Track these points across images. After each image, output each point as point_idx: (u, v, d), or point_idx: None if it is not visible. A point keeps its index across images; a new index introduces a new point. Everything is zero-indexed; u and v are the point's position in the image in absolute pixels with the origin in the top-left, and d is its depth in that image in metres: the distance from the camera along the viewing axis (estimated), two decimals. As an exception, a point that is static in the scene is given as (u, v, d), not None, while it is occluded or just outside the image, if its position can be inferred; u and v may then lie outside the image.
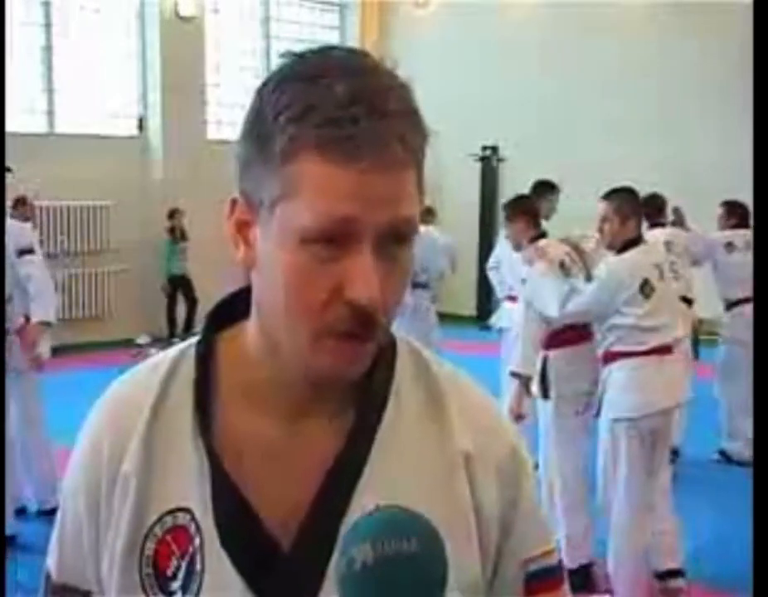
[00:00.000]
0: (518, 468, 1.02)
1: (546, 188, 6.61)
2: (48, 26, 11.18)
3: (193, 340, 1.04)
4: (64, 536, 1.04)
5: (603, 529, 4.40)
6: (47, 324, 5.13)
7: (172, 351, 1.04)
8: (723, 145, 10.59)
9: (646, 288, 4.21)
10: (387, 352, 1.00)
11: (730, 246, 6.76)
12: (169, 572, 0.95)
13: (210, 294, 9.39)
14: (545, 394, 4.68)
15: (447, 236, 8.18)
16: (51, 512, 5.09)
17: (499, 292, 6.78)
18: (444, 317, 8.33)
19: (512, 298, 5.98)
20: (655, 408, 4.24)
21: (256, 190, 0.90)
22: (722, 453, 6.79)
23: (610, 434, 4.25)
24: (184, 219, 11.36)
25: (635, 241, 4.33)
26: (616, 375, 4.28)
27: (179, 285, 11.48)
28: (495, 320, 6.93)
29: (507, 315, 6.10)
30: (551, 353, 4.68)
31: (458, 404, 1.01)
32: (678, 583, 4.48)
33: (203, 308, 10.97)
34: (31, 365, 5.12)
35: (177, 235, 11.41)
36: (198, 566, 0.94)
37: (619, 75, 11.62)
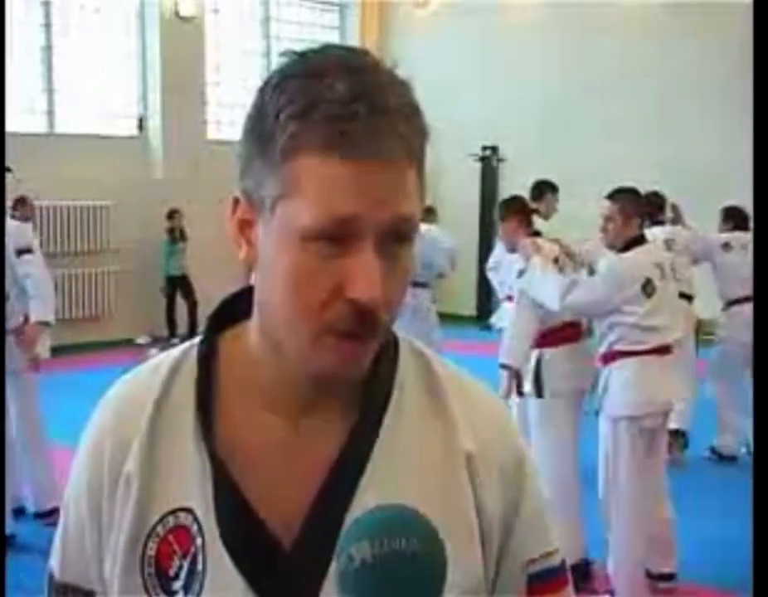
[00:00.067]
0: (521, 468, 1.02)
1: (546, 188, 6.62)
2: (48, 26, 11.18)
3: (195, 340, 1.04)
4: (67, 536, 1.04)
5: (603, 529, 4.40)
6: (46, 324, 5.13)
7: (175, 351, 1.04)
8: (723, 145, 10.59)
9: (648, 288, 4.23)
10: (390, 351, 1.00)
11: (727, 246, 6.83)
12: (171, 572, 0.95)
13: (209, 294, 9.41)
14: (539, 392, 4.68)
15: (447, 235, 8.17)
16: (48, 514, 5.10)
17: (499, 292, 6.78)
18: (444, 317, 8.33)
19: (512, 299, 5.98)
20: (656, 407, 4.27)
21: (258, 189, 0.90)
22: (713, 450, 6.81)
23: (611, 433, 4.26)
24: (183, 219, 11.36)
25: (638, 241, 4.36)
26: (617, 374, 4.29)
27: (178, 285, 11.48)
28: (495, 320, 6.95)
29: (507, 315, 6.10)
30: (547, 351, 4.69)
31: (460, 404, 1.01)
32: (669, 586, 4.52)
33: (203, 309, 10.98)
34: (29, 365, 5.12)
35: (176, 235, 11.41)
36: (200, 566, 0.94)
37: (619, 75, 11.62)
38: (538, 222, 5.36)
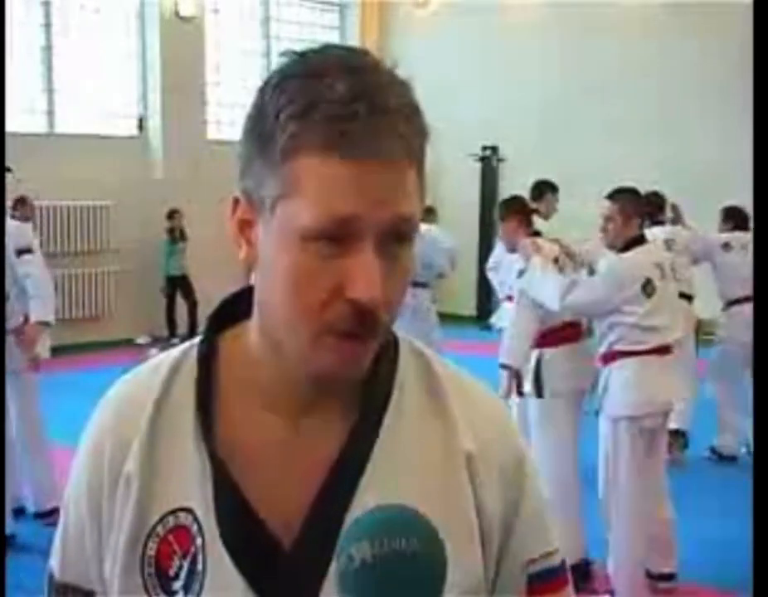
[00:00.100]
0: (521, 468, 1.02)
1: (546, 188, 6.62)
2: (48, 26, 11.18)
3: (195, 340, 1.04)
4: (67, 537, 1.04)
5: (603, 529, 4.40)
6: (46, 324, 5.13)
7: (175, 351, 1.04)
8: (723, 145, 10.59)
9: (648, 288, 4.23)
10: (390, 351, 1.00)
11: (726, 246, 6.85)
12: (171, 572, 0.95)
13: (209, 295, 9.41)
14: (539, 392, 4.69)
15: (447, 235, 8.17)
16: (47, 514, 5.10)
17: (499, 292, 6.78)
18: (444, 317, 8.33)
19: (512, 299, 5.98)
20: (656, 407, 4.27)
21: (258, 189, 0.90)
22: (713, 450, 6.82)
23: (611, 433, 4.26)
24: (183, 219, 11.36)
25: (638, 241, 4.36)
26: (617, 374, 4.29)
27: (178, 285, 11.48)
28: (495, 320, 6.95)
29: (507, 315, 6.11)
30: (547, 351, 4.69)
31: (460, 404, 1.01)
32: (669, 585, 4.52)
33: (202, 309, 10.98)
34: (29, 365, 5.12)
35: (176, 235, 11.41)
36: (200, 566, 0.94)
37: (619, 75, 11.62)
38: (538, 222, 5.37)
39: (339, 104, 0.85)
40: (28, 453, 5.23)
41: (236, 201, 0.94)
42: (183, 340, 1.08)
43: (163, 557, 0.96)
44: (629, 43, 11.57)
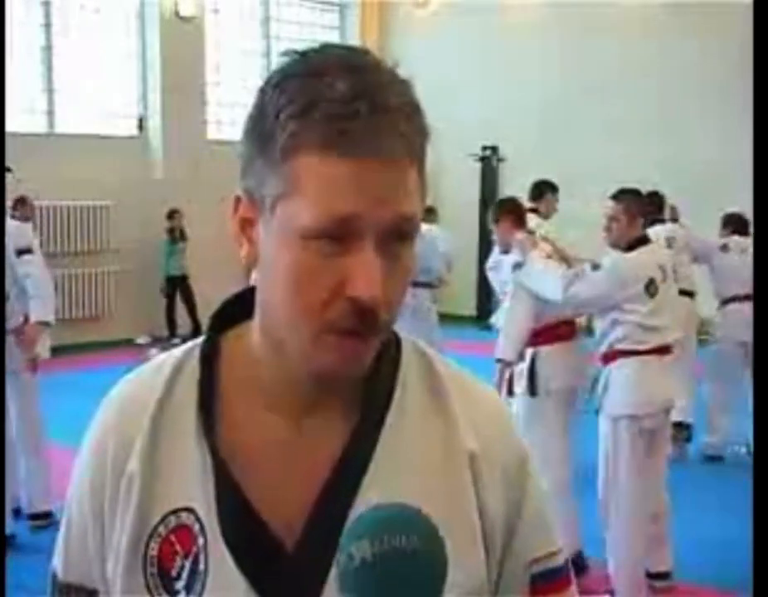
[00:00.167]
0: (524, 467, 1.02)
1: (546, 188, 6.62)
2: (48, 26, 11.19)
3: (198, 340, 1.04)
4: (70, 536, 1.04)
5: (602, 529, 4.40)
6: (46, 324, 5.13)
7: (177, 351, 1.04)
8: (723, 145, 10.60)
9: (651, 288, 4.25)
10: (392, 351, 1.00)
11: (725, 248, 6.95)
12: (173, 572, 0.95)
13: (208, 295, 9.40)
14: (532, 390, 4.69)
15: (446, 234, 8.17)
16: (39, 517, 5.09)
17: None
18: (444, 317, 8.33)
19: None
20: (656, 406, 4.28)
21: (258, 188, 0.91)
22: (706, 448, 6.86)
23: (612, 432, 4.27)
24: (183, 219, 11.36)
25: (641, 241, 4.38)
26: (617, 373, 4.30)
27: (178, 286, 11.47)
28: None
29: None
30: (542, 349, 4.70)
31: (462, 403, 1.01)
32: (668, 585, 4.53)
33: (202, 310, 10.98)
34: (27, 365, 5.12)
35: (176, 235, 11.41)
36: (202, 566, 0.94)
37: (619, 75, 11.62)
38: (535, 222, 5.37)
39: (340, 103, 0.85)
40: (25, 454, 5.22)
41: (238, 200, 0.94)
42: (184, 340, 1.08)
43: (165, 557, 0.96)
44: (629, 43, 11.58)
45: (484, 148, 13.17)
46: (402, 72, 0.91)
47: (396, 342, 1.02)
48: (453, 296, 11.40)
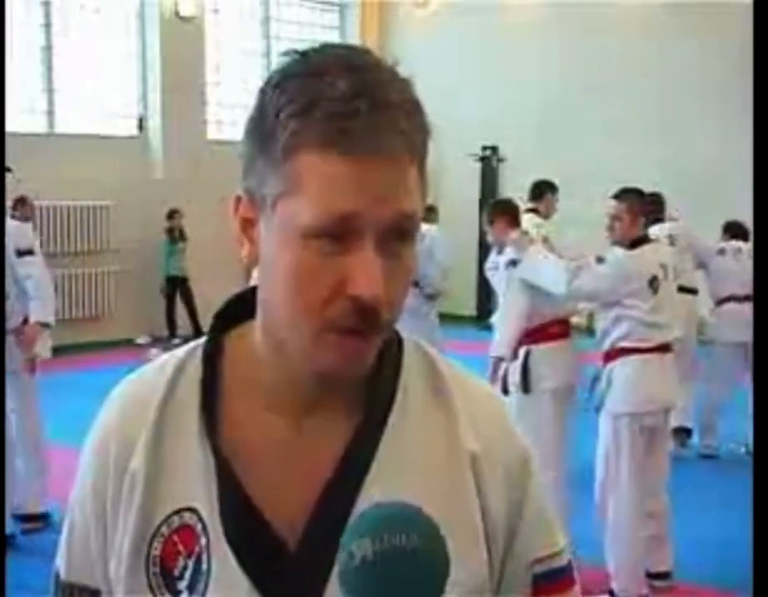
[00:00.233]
0: (526, 467, 1.02)
1: (546, 188, 6.61)
2: (48, 26, 11.18)
3: (200, 340, 1.04)
4: (72, 537, 1.04)
5: (598, 532, 4.39)
6: (46, 325, 5.13)
7: (180, 351, 1.04)
8: (723, 145, 10.60)
9: (654, 284, 4.28)
10: (393, 350, 1.00)
11: (722, 252, 7.04)
12: (176, 572, 0.95)
13: (208, 295, 9.38)
14: (525, 388, 4.69)
15: (444, 239, 8.11)
16: (32, 519, 5.07)
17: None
18: (444, 317, 8.33)
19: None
20: (656, 405, 4.29)
21: (259, 187, 0.91)
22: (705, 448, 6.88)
23: (612, 430, 4.28)
24: (183, 219, 11.36)
25: (644, 239, 4.40)
26: (619, 371, 4.31)
27: (177, 286, 11.47)
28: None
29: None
30: (536, 348, 4.71)
31: (464, 404, 1.01)
32: (667, 585, 4.53)
33: (202, 311, 10.98)
34: (25, 365, 5.12)
35: (176, 235, 11.41)
36: (205, 566, 0.94)
37: (619, 75, 11.62)
38: (537, 222, 5.37)
39: (340, 102, 0.85)
40: (23, 454, 5.21)
41: (239, 200, 0.94)
42: (184, 340, 1.08)
43: (168, 557, 0.96)
44: (629, 43, 11.58)
45: (484, 148, 13.17)
46: (402, 71, 0.91)
47: (398, 342, 1.02)
48: (453, 296, 11.39)
